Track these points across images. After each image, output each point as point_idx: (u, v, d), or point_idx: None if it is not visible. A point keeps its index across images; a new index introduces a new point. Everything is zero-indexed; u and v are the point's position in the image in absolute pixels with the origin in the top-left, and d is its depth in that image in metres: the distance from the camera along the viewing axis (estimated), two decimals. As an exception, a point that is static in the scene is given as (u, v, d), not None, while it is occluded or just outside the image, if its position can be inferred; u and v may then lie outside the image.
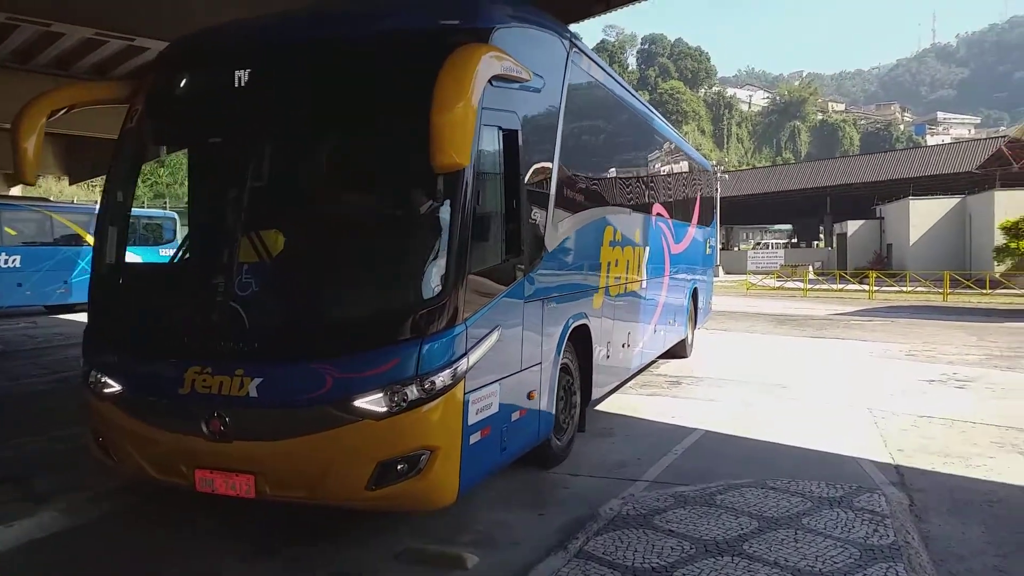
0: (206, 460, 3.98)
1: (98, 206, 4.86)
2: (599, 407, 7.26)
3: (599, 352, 6.59)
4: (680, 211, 10.80)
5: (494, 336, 4.25)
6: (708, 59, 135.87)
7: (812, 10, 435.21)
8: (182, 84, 4.69)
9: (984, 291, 26.92)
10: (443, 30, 4.17)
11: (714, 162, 70.13)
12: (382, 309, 4.02)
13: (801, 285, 30.19)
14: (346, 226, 4.42)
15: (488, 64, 3.76)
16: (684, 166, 11.46)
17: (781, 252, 49.66)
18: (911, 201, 38.75)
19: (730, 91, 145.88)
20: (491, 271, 4.29)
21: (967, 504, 4.88)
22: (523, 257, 4.63)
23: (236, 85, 4.27)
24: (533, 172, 4.92)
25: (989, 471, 5.62)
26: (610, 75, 7.29)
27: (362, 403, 3.73)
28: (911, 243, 37.80)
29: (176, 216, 25.93)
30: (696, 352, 11.85)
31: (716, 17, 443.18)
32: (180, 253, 5.08)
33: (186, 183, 5.25)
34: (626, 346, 7.77)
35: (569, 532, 4.37)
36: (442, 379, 3.81)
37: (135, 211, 25.63)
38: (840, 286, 30.98)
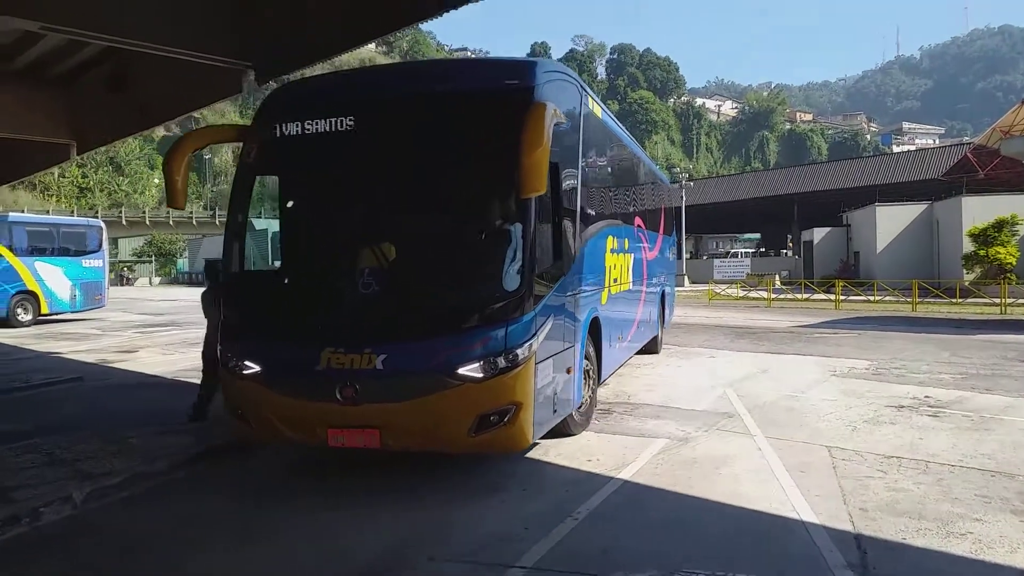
0: (338, 420, 5.11)
1: (224, 226, 6.09)
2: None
3: (607, 341, 7.76)
4: (652, 222, 12.26)
5: (549, 323, 5.48)
6: (677, 69, 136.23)
7: (779, 23, 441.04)
8: (293, 124, 5.65)
9: (954, 300, 25.97)
10: (507, 88, 5.50)
11: (679, 170, 69.57)
12: (478, 301, 5.21)
13: (766, 295, 28.99)
14: (445, 238, 5.62)
15: (551, 118, 4.95)
16: (653, 182, 13.05)
17: (747, 261, 48.47)
18: (878, 207, 37.76)
19: (699, 101, 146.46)
20: (547, 273, 5.49)
21: (951, 605, 3.52)
22: (563, 261, 5.83)
23: (343, 128, 5.49)
24: (567, 194, 6.12)
25: (976, 543, 4.28)
26: (604, 110, 8.60)
27: (465, 371, 4.95)
28: (878, 251, 36.81)
29: (102, 225, 23.90)
30: (639, 372, 10.69)
31: (685, 28, 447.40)
32: (298, 264, 6.34)
33: (274, 204, 6.05)
34: (621, 338, 9.09)
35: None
36: (522, 352, 5.04)
37: (54, 219, 23.69)
38: (806, 295, 29.86)
